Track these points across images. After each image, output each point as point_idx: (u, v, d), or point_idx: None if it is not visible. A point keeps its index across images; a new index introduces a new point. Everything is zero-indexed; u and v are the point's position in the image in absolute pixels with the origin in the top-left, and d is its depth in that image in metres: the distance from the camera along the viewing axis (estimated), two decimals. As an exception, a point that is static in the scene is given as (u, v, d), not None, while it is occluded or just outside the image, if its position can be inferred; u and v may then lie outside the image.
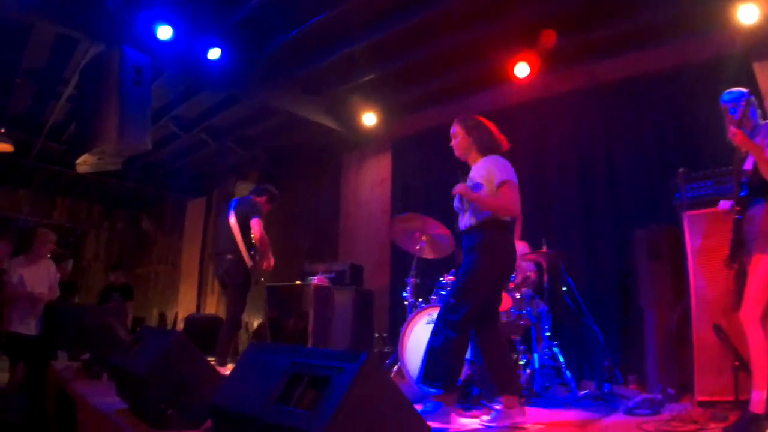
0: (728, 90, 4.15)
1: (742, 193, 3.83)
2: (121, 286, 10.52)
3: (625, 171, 6.90)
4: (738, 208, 3.85)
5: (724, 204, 4.23)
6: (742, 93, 4.02)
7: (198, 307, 12.70)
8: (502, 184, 4.27)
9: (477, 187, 4.32)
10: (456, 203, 4.56)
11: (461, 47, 7.27)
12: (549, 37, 6.78)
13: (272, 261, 6.79)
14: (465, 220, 4.41)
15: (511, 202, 4.27)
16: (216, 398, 2.64)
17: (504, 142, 4.63)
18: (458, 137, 4.65)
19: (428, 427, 2.32)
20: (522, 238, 6.68)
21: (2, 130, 9.57)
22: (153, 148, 6.87)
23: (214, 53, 7.24)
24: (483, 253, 4.24)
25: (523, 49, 7.17)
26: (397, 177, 9.54)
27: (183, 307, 13.12)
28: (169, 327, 12.94)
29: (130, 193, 14.46)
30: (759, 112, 4.04)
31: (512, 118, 7.89)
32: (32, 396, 6.66)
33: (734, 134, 3.70)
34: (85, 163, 6.77)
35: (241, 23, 7.09)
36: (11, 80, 8.33)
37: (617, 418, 4.42)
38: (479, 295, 4.17)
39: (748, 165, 3.83)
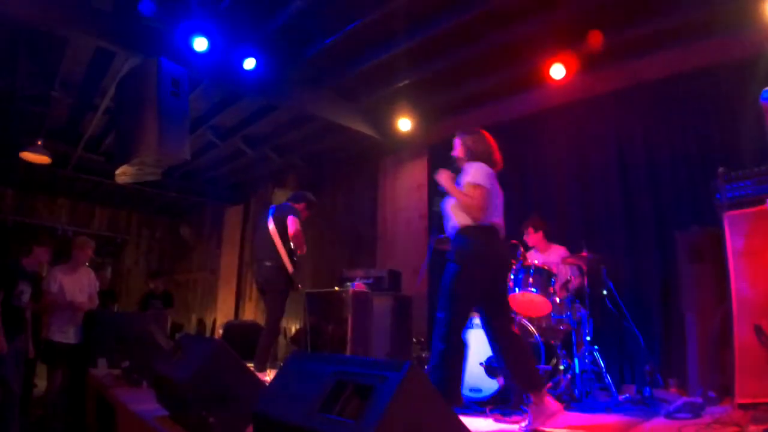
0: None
1: None
2: (161, 294, 10.63)
3: (666, 172, 6.81)
4: None
5: None
6: None
7: (236, 314, 12.80)
8: (474, 186, 4.40)
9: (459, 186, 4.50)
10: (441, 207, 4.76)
11: (497, 49, 7.23)
12: (595, 38, 6.72)
13: (305, 248, 6.85)
14: (449, 227, 4.61)
15: (476, 204, 4.36)
16: (258, 406, 2.66)
17: (499, 160, 4.82)
18: (456, 146, 4.89)
19: (471, 435, 2.33)
20: (562, 242, 6.65)
21: (39, 142, 9.74)
22: (191, 158, 6.94)
23: (249, 63, 7.31)
24: (463, 258, 4.34)
25: (560, 50, 7.11)
26: (434, 182, 9.46)
27: (221, 314, 13.24)
28: (207, 333, 13.07)
29: (169, 202, 14.63)
30: None
31: (551, 120, 7.89)
32: (72, 403, 6.77)
33: None
34: (124, 174, 6.87)
35: (278, 31, 7.13)
36: (48, 93, 8.48)
37: (658, 422, 4.37)
38: (464, 303, 4.28)
39: None
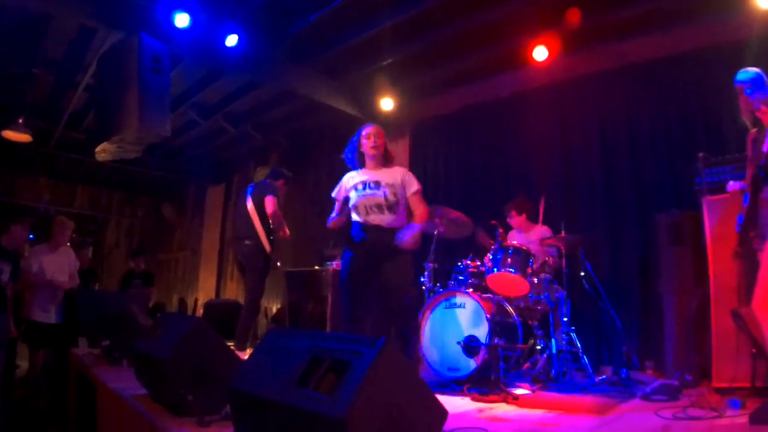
0: (743, 69, 4.08)
1: (760, 175, 3.74)
2: (142, 273, 10.60)
3: (648, 154, 6.83)
4: (751, 189, 3.76)
5: (734, 185, 4.12)
6: (758, 73, 3.97)
7: (217, 293, 12.78)
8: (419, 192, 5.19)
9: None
10: (376, 199, 4.98)
11: (481, 28, 7.20)
12: (574, 16, 6.71)
13: (288, 232, 6.88)
14: (392, 219, 4.99)
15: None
16: (235, 382, 2.66)
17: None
18: (381, 138, 5.22)
19: (446, 411, 2.35)
20: (543, 222, 6.68)
21: (20, 120, 9.65)
22: (173, 135, 6.91)
23: (231, 40, 7.23)
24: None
25: (545, 31, 7.09)
26: (415, 161, 9.44)
27: (203, 293, 13.22)
28: (188, 313, 13.03)
29: (151, 181, 14.54)
30: None
31: (534, 100, 7.89)
32: (54, 383, 6.76)
33: (766, 112, 3.56)
34: (104, 151, 6.82)
35: (261, 8, 7.09)
36: (30, 70, 8.39)
37: (634, 404, 4.40)
38: None
39: (766, 147, 3.75)
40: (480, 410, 4.07)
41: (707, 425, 3.56)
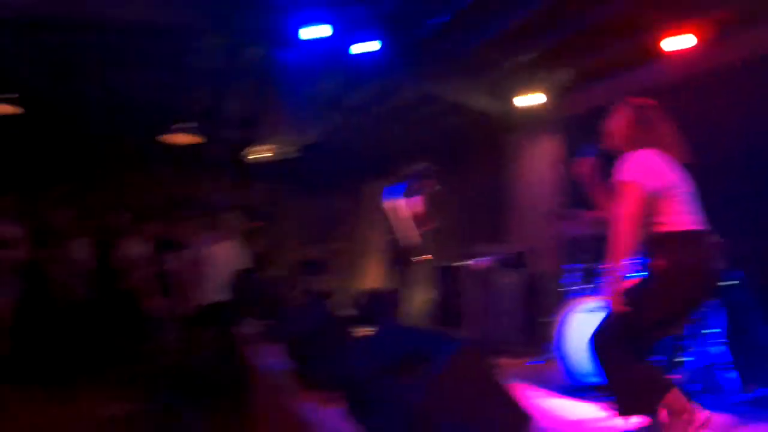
0: None
1: None
2: (313, 261, 11.03)
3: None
4: None
5: None
6: None
7: (380, 283, 13.07)
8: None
9: None
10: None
11: (626, 17, 6.63)
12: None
13: (431, 225, 7.28)
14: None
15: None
16: (341, 369, 2.95)
17: None
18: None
19: (529, 417, 2.37)
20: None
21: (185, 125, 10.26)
22: (325, 137, 7.11)
23: (371, 45, 7.25)
24: None
25: (690, 19, 6.48)
26: (567, 158, 9.20)
27: (368, 283, 13.56)
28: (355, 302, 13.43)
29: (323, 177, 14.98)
30: None
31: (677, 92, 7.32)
32: (223, 358, 7.30)
33: None
34: (263, 152, 7.29)
35: (396, 10, 7.13)
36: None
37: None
38: None
39: None
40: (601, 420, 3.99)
41: None
